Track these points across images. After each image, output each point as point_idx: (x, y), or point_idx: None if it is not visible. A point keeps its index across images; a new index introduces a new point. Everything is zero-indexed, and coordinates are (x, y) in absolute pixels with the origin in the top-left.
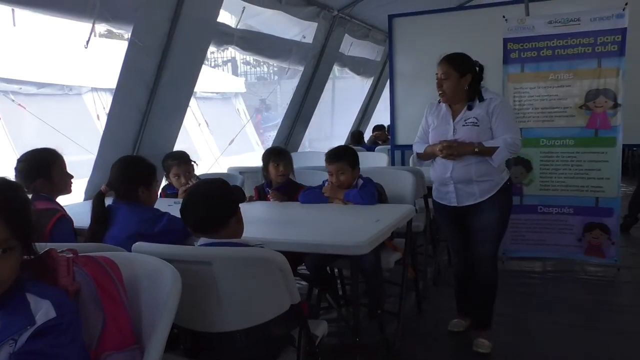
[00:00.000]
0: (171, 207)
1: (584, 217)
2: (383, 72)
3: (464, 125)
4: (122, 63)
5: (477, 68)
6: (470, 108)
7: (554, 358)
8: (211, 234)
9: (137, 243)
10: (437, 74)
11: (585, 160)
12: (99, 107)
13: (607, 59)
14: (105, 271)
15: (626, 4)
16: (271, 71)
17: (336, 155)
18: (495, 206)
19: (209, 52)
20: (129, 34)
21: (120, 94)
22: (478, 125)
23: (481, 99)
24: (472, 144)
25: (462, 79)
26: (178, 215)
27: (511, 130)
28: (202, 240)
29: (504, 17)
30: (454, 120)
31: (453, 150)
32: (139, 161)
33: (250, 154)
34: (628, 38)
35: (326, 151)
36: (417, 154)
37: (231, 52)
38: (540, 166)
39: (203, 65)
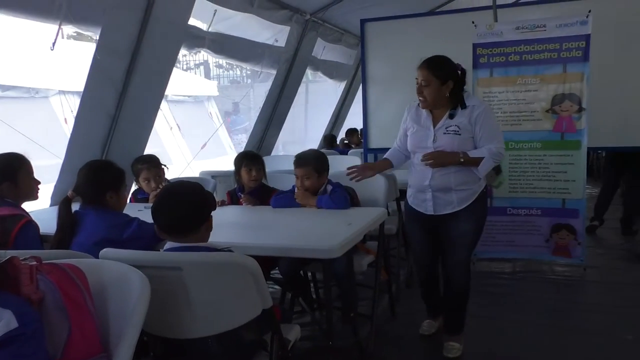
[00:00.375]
0: (141, 212)
1: (551, 219)
2: (356, 76)
3: (445, 133)
4: (90, 66)
5: (459, 72)
6: (452, 116)
7: (523, 357)
8: (179, 237)
9: (104, 249)
10: (417, 78)
11: (552, 163)
12: (67, 111)
13: (572, 64)
14: (70, 279)
15: (589, 12)
16: (244, 74)
17: (303, 160)
18: (472, 215)
19: (180, 55)
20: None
21: (88, 97)
22: (460, 134)
23: (463, 106)
24: (457, 154)
25: (443, 86)
26: (148, 220)
27: (495, 139)
28: (169, 244)
29: (473, 22)
30: (434, 127)
31: (437, 160)
32: (106, 165)
33: (223, 158)
34: (591, 44)
35: None
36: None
37: (203, 55)
38: (509, 169)
39: (174, 69)
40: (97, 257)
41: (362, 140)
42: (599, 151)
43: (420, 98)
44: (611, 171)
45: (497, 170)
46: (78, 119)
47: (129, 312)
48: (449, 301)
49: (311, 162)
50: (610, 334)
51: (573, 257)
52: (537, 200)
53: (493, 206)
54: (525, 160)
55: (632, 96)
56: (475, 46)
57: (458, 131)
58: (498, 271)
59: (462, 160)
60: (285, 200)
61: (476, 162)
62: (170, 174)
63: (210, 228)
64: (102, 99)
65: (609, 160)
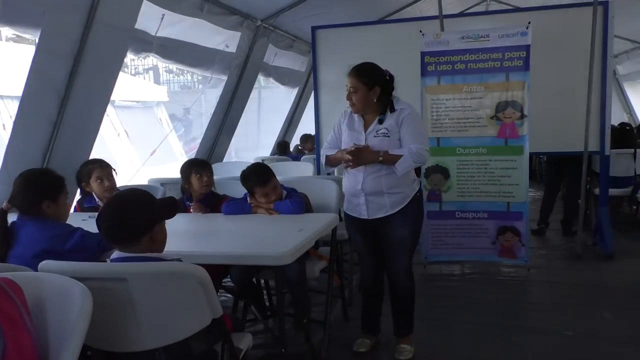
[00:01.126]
0: (85, 221)
1: (497, 221)
2: (308, 82)
3: (375, 137)
4: (29, 69)
5: (387, 77)
6: (381, 121)
7: (472, 357)
8: (125, 247)
9: (43, 262)
10: (347, 85)
11: (497, 168)
12: (5, 116)
13: (514, 73)
14: (5, 293)
15: (529, 23)
16: (195, 80)
17: (266, 177)
18: (407, 219)
19: (128, 60)
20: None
21: (27, 102)
22: (389, 136)
23: (392, 110)
24: (377, 152)
25: (370, 91)
26: (93, 230)
27: (418, 140)
28: (116, 254)
29: (421, 31)
30: (365, 131)
31: (358, 158)
32: (42, 174)
33: (174, 165)
34: (532, 54)
35: (252, 161)
36: (326, 157)
37: (152, 60)
38: (457, 174)
39: (122, 73)
40: (36, 269)
41: (315, 147)
42: (541, 156)
43: (350, 104)
44: (552, 175)
45: (445, 175)
46: (16, 125)
47: (70, 327)
48: (395, 304)
49: (271, 175)
50: (552, 331)
51: (518, 258)
52: (483, 204)
53: (442, 210)
54: (472, 165)
55: (570, 104)
56: (423, 54)
57: (387, 134)
58: (448, 273)
59: (381, 158)
60: (236, 207)
61: (394, 160)
62: (118, 182)
63: (158, 238)
64: (42, 104)
65: (550, 165)
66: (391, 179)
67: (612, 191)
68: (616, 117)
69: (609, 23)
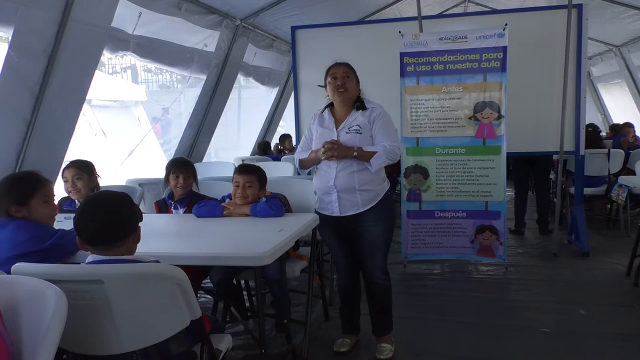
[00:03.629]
0: (61, 222)
1: (476, 220)
2: (288, 82)
3: (347, 133)
4: (2, 68)
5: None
6: (353, 117)
7: (453, 355)
8: (102, 250)
9: (16, 264)
10: (334, 73)
11: (475, 168)
12: None
13: (491, 74)
14: None
15: (506, 25)
16: (174, 79)
17: (248, 169)
18: (379, 217)
19: (106, 58)
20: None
21: (0, 101)
22: (361, 133)
23: (364, 108)
24: (352, 148)
25: (357, 84)
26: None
27: (390, 138)
28: (92, 257)
29: (400, 32)
30: (337, 128)
31: (335, 150)
32: (7, 180)
33: (153, 165)
34: (509, 56)
35: (233, 161)
36: (300, 161)
37: (130, 59)
38: (436, 173)
39: (99, 72)
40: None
41: (294, 146)
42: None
43: (341, 89)
44: (519, 175)
45: (425, 175)
46: None
47: (44, 330)
48: (373, 304)
49: (256, 172)
50: (530, 328)
51: (496, 256)
52: (462, 203)
53: (422, 210)
54: (451, 165)
55: (545, 105)
56: (402, 55)
57: (359, 130)
58: (427, 272)
59: (355, 154)
60: (208, 209)
61: (369, 156)
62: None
63: (136, 242)
64: (16, 103)
65: (517, 165)
66: (363, 176)
67: (587, 190)
68: (591, 118)
69: (583, 25)
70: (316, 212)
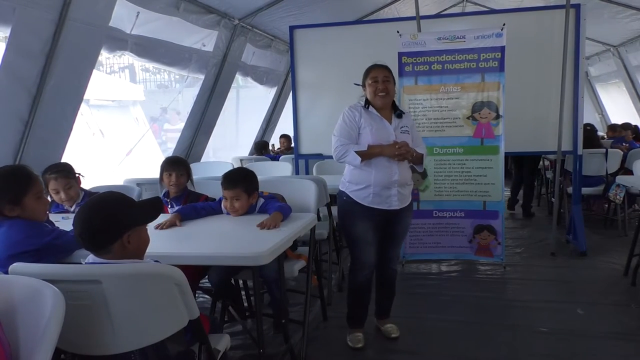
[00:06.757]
0: (59, 222)
1: (474, 220)
2: (286, 82)
3: (401, 132)
4: None
5: None
6: (399, 116)
7: (449, 356)
8: (97, 254)
9: (14, 264)
10: (375, 77)
11: (473, 167)
12: None
13: (489, 73)
14: None
15: (504, 25)
16: (172, 79)
17: (232, 182)
18: (410, 209)
19: (103, 58)
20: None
21: None
22: (409, 134)
23: (396, 109)
24: (414, 150)
25: (394, 86)
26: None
27: (423, 143)
28: (91, 258)
29: (398, 32)
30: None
31: (409, 154)
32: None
33: (151, 164)
34: (507, 56)
35: (231, 160)
36: (356, 153)
37: (128, 58)
38: (434, 173)
39: (96, 71)
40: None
41: (292, 146)
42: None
43: (382, 93)
44: (515, 169)
45: (423, 174)
46: None
47: (42, 330)
48: (385, 290)
49: (240, 184)
50: (528, 328)
51: (494, 256)
52: (460, 203)
53: (420, 209)
54: (449, 165)
55: (543, 105)
56: (400, 55)
57: (408, 131)
58: (425, 272)
59: (414, 155)
60: (189, 211)
61: (421, 159)
62: (93, 183)
63: (134, 245)
64: (13, 103)
65: (513, 161)
66: (409, 171)
67: (584, 190)
68: (588, 117)
69: (580, 25)
70: (362, 206)
